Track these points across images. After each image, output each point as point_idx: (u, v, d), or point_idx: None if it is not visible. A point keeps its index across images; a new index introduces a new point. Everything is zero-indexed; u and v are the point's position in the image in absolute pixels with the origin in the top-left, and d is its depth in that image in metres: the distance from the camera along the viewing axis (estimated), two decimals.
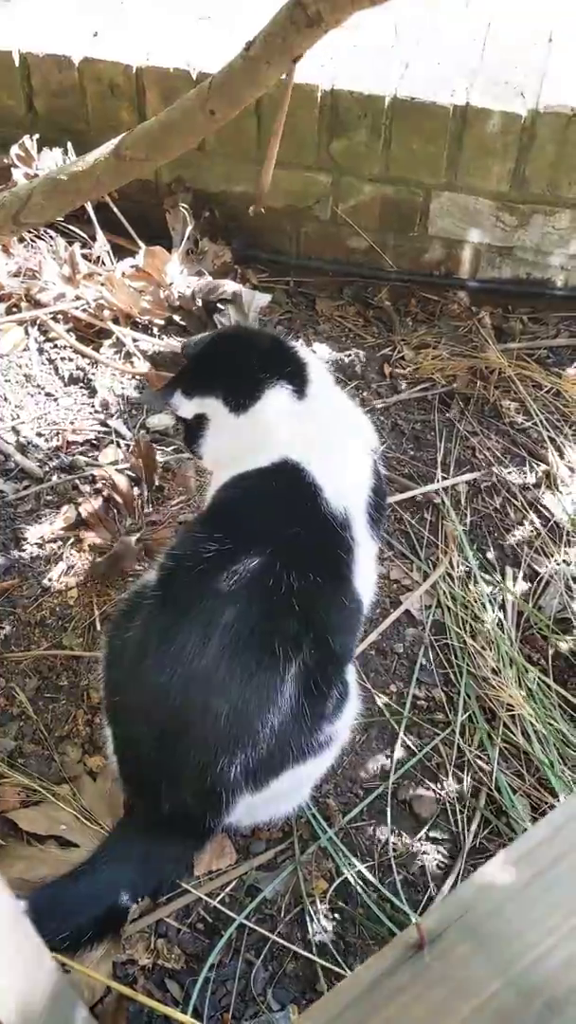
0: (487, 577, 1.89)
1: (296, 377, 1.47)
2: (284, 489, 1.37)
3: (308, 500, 1.34)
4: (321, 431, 1.45)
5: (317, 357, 1.62)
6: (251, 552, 1.26)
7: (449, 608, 1.81)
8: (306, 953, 1.41)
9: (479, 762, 1.62)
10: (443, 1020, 0.70)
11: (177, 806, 1.31)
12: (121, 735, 1.39)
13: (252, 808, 1.37)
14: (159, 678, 1.24)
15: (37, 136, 2.44)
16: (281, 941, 1.42)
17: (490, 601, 1.84)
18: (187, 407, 1.53)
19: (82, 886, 1.34)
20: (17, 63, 2.46)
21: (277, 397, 1.45)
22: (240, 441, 1.46)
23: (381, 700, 1.69)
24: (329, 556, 1.35)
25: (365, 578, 1.40)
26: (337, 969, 1.39)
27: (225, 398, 1.48)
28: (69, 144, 2.43)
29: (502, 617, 1.81)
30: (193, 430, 1.54)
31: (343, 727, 1.43)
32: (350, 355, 2.37)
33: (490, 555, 1.94)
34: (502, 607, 1.84)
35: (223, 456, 1.51)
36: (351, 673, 1.44)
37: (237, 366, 1.50)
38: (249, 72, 1.36)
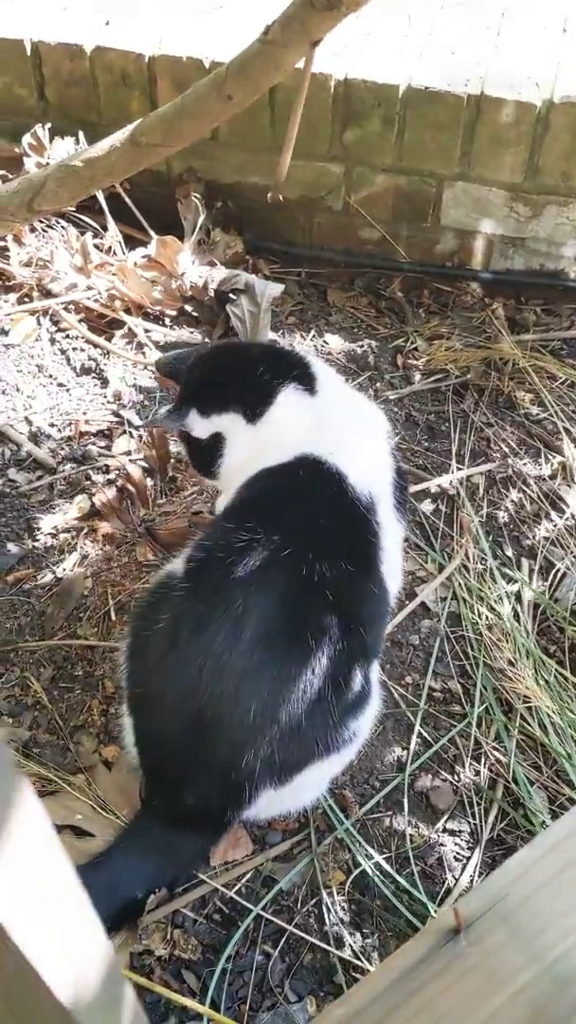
0: (503, 569, 1.88)
1: (303, 376, 1.49)
2: (310, 479, 1.37)
3: (334, 486, 1.35)
4: (337, 421, 1.47)
5: (316, 355, 1.61)
6: (282, 542, 1.26)
7: (465, 600, 1.80)
8: (323, 945, 1.40)
9: (496, 754, 1.61)
10: (477, 1008, 0.69)
11: (199, 799, 1.30)
12: (144, 727, 1.37)
13: (272, 802, 1.36)
14: (189, 669, 1.23)
15: (49, 125, 2.43)
16: (298, 932, 1.41)
17: (506, 594, 1.83)
18: (203, 426, 1.52)
19: (99, 878, 1.33)
20: (28, 52, 2.44)
21: (290, 397, 1.46)
22: (258, 450, 1.46)
23: (397, 692, 1.68)
24: (358, 542, 1.35)
25: (392, 564, 1.40)
26: (355, 961, 1.38)
27: (243, 410, 1.48)
28: (81, 134, 2.42)
29: (518, 609, 1.80)
30: (208, 451, 1.53)
31: (366, 724, 1.43)
32: (363, 346, 2.35)
33: (506, 547, 1.92)
34: (518, 599, 1.83)
35: (240, 473, 1.47)
36: (376, 670, 1.44)
37: (246, 376, 1.51)
38: (267, 56, 1.35)
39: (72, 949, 0.45)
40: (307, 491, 1.37)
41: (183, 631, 1.26)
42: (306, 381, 1.48)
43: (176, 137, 1.53)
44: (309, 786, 1.42)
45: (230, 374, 1.55)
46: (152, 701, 1.33)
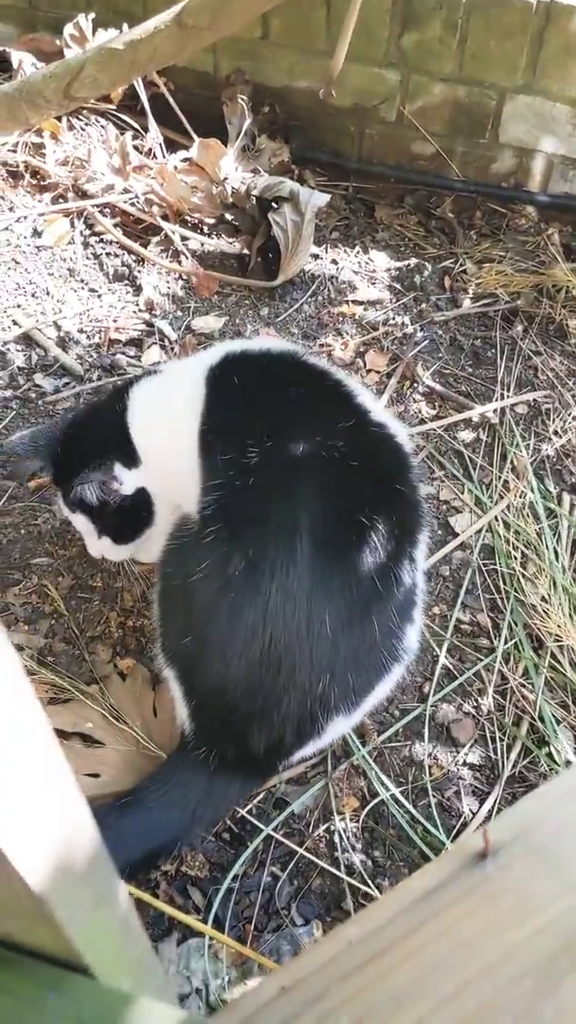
0: (544, 503, 1.79)
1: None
2: (273, 371, 1.33)
3: (307, 373, 1.32)
4: None
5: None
6: (294, 442, 1.19)
7: (500, 533, 1.73)
8: (333, 870, 1.37)
9: (523, 691, 1.55)
10: (501, 937, 0.63)
11: (270, 740, 1.23)
12: (202, 678, 1.27)
13: (336, 730, 1.31)
14: (252, 608, 1.16)
15: (93, 16, 2.31)
16: (308, 856, 1.37)
17: (546, 528, 1.75)
18: (130, 482, 1.43)
19: (128, 822, 1.27)
20: None
21: (140, 393, 1.43)
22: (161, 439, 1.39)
23: (423, 622, 1.62)
24: (340, 403, 1.31)
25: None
26: (364, 888, 1.35)
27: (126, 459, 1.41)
28: (125, 26, 2.29)
29: (556, 546, 1.73)
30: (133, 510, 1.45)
31: (416, 632, 1.35)
32: (409, 265, 2.24)
33: (547, 480, 1.84)
34: (557, 535, 1.75)
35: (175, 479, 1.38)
36: (421, 572, 1.36)
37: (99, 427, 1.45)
38: None
39: (53, 837, 0.39)
40: (276, 383, 1.31)
41: (237, 574, 1.17)
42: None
43: (225, 20, 1.42)
44: (366, 708, 1.36)
45: (87, 432, 1.46)
46: (210, 650, 1.23)
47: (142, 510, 1.44)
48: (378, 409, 1.33)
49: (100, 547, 1.49)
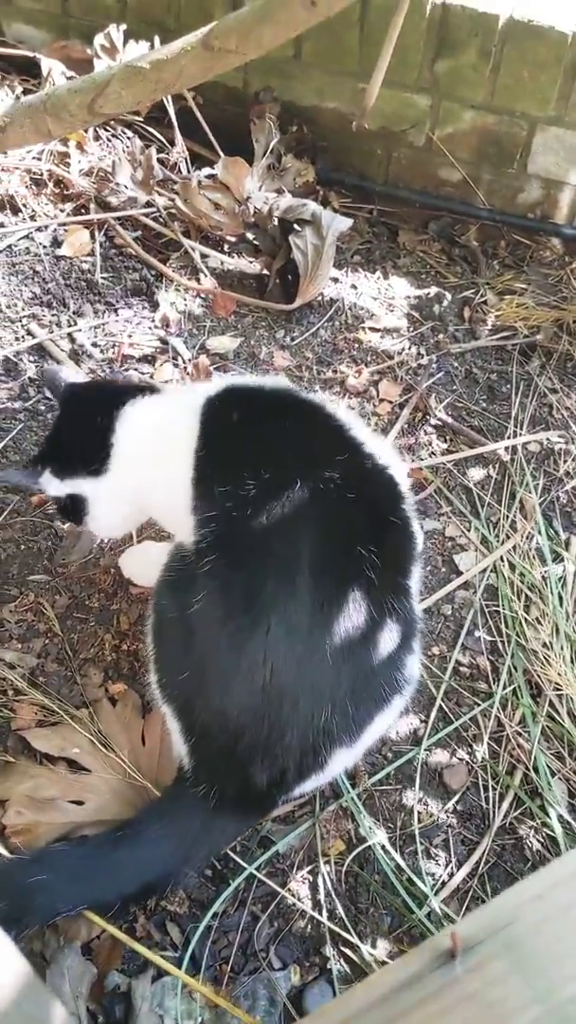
0: (551, 546, 1.76)
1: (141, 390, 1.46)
2: (269, 405, 1.34)
3: (304, 409, 1.33)
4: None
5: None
6: (291, 475, 1.19)
7: (505, 574, 1.70)
8: (314, 914, 1.34)
9: (519, 739, 1.53)
10: None
11: (272, 774, 1.22)
12: (201, 713, 1.25)
13: (340, 763, 1.31)
14: (252, 641, 1.15)
15: (124, 27, 2.30)
16: (290, 898, 1.35)
17: (551, 573, 1.72)
18: (56, 488, 1.44)
19: (123, 855, 1.26)
20: None
21: (136, 412, 1.41)
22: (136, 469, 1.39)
23: (422, 662, 1.59)
24: (332, 439, 1.30)
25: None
26: (345, 934, 1.32)
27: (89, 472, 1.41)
28: (156, 39, 2.28)
29: (562, 591, 1.70)
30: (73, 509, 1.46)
31: (415, 663, 1.34)
32: (429, 293, 2.22)
33: (556, 523, 1.81)
34: (562, 579, 1.72)
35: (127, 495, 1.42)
36: (416, 603, 1.36)
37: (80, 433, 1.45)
38: None
39: None
40: (275, 417, 1.32)
41: (232, 603, 1.17)
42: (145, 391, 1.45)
43: (252, 43, 1.40)
44: (368, 740, 1.34)
45: (69, 434, 1.47)
46: (210, 683, 1.21)
47: (78, 510, 1.45)
48: (372, 442, 1.33)
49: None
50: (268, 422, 1.32)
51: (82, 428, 1.43)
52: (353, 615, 1.19)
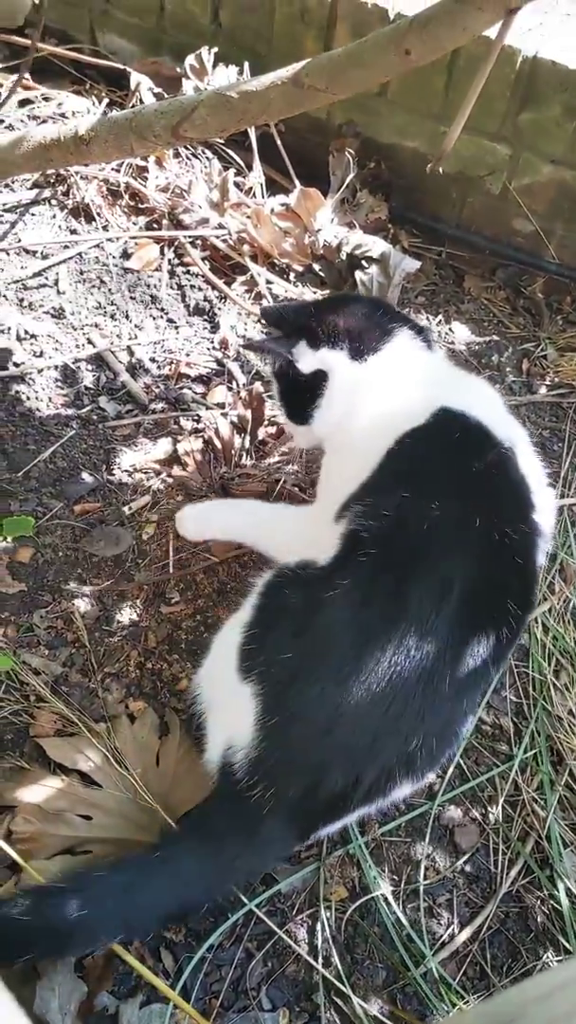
0: None
1: (418, 329, 1.51)
2: (458, 436, 1.33)
3: (483, 443, 1.32)
4: (456, 376, 1.53)
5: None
6: (472, 513, 1.22)
7: (538, 636, 1.68)
8: (310, 959, 1.33)
9: (535, 805, 1.50)
10: None
11: (345, 787, 1.19)
12: (290, 701, 1.20)
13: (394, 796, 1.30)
14: (381, 647, 1.15)
15: (215, 50, 2.33)
16: (287, 939, 1.34)
17: None
18: (308, 360, 1.47)
19: (164, 880, 1.22)
20: None
21: (405, 342, 1.47)
22: (362, 395, 1.43)
23: None
24: (520, 499, 1.31)
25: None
26: (338, 984, 1.31)
27: (351, 349, 1.46)
28: (246, 64, 2.31)
29: None
30: (307, 390, 1.48)
31: (470, 727, 1.39)
32: (490, 342, 2.21)
33: None
34: None
35: (342, 419, 1.45)
36: None
37: (361, 315, 1.50)
38: (458, 16, 1.22)
39: None
40: (458, 449, 1.32)
41: (372, 602, 1.19)
42: (421, 333, 1.51)
43: (342, 84, 1.42)
44: (419, 785, 1.37)
45: (345, 312, 1.51)
46: (316, 671, 1.19)
47: (314, 394, 1.49)
48: (543, 507, 1.35)
49: (292, 430, 1.63)
50: (469, 451, 1.32)
51: (353, 312, 1.50)
52: (477, 662, 1.20)
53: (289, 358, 1.49)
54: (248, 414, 1.85)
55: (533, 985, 0.65)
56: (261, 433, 1.87)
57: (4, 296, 2.05)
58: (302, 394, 1.50)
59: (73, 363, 1.97)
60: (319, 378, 1.48)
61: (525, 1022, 0.65)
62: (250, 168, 2.35)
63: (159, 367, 2.02)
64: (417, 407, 1.35)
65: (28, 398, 1.89)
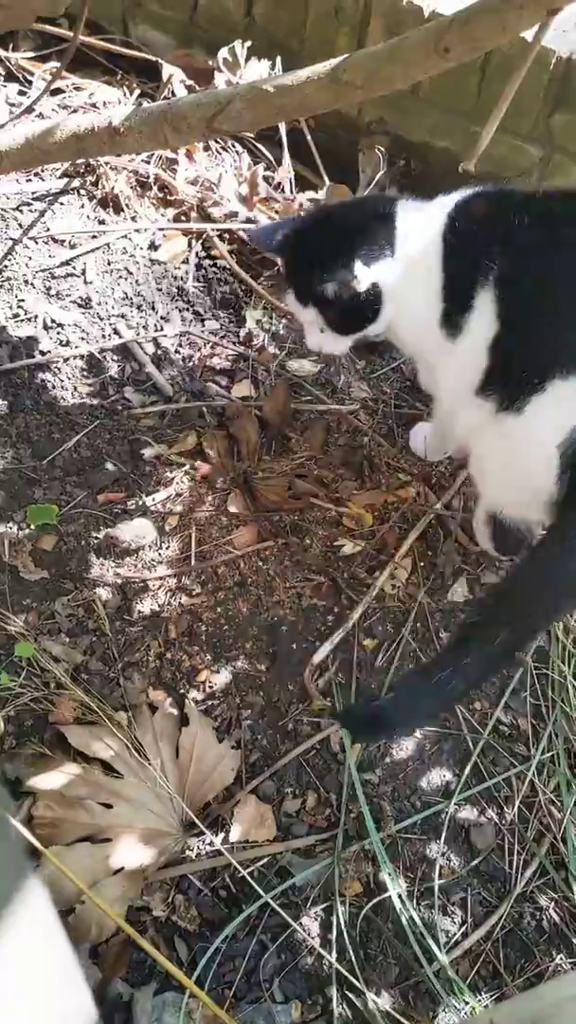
0: None
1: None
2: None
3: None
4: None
5: None
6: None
7: (558, 638, 1.68)
8: (323, 952, 1.33)
9: (551, 807, 1.50)
10: None
11: None
12: None
13: None
14: None
15: (248, 44, 2.33)
16: (301, 932, 1.35)
17: None
18: (365, 279, 1.49)
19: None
20: None
21: (411, 213, 1.58)
22: (411, 275, 1.50)
23: (462, 714, 1.58)
24: None
25: None
26: (351, 978, 1.31)
27: (389, 250, 1.51)
28: (279, 59, 2.31)
29: None
30: (368, 303, 1.52)
31: None
32: None
33: None
34: None
35: (400, 305, 1.53)
36: None
37: (376, 218, 1.54)
38: (498, 15, 1.22)
39: None
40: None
41: None
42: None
43: (379, 81, 1.42)
44: None
45: (365, 219, 1.56)
46: None
47: (373, 305, 1.53)
48: None
49: (320, 340, 1.64)
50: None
51: (369, 216, 1.56)
52: None
53: (355, 287, 1.50)
54: (273, 407, 1.85)
55: (569, 983, 0.65)
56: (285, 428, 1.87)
57: (32, 284, 2.06)
58: (358, 310, 1.54)
59: (99, 353, 1.97)
60: (375, 288, 1.52)
61: (562, 1019, 0.65)
62: (279, 163, 2.35)
63: (184, 359, 2.02)
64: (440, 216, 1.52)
65: (54, 387, 1.90)
